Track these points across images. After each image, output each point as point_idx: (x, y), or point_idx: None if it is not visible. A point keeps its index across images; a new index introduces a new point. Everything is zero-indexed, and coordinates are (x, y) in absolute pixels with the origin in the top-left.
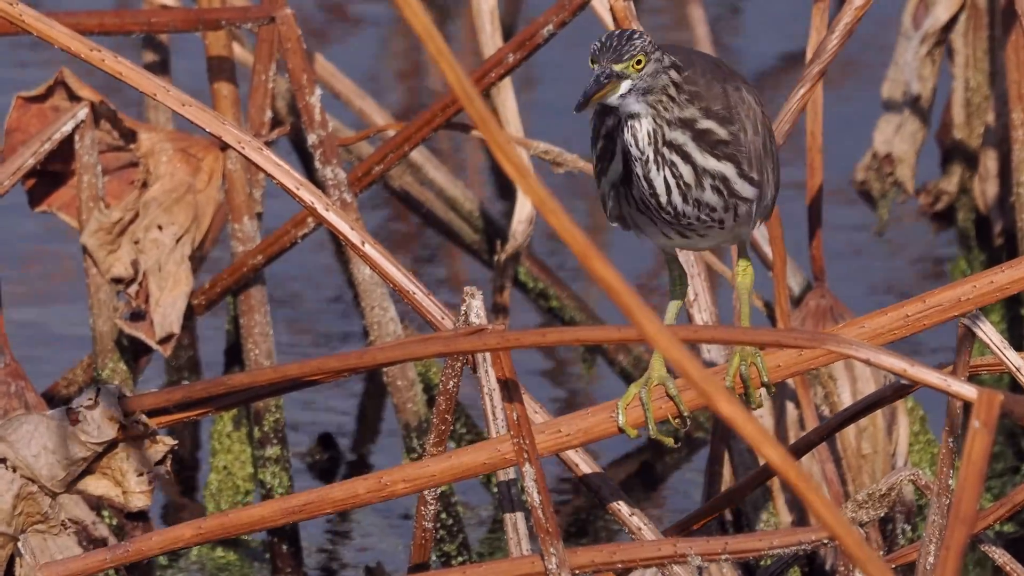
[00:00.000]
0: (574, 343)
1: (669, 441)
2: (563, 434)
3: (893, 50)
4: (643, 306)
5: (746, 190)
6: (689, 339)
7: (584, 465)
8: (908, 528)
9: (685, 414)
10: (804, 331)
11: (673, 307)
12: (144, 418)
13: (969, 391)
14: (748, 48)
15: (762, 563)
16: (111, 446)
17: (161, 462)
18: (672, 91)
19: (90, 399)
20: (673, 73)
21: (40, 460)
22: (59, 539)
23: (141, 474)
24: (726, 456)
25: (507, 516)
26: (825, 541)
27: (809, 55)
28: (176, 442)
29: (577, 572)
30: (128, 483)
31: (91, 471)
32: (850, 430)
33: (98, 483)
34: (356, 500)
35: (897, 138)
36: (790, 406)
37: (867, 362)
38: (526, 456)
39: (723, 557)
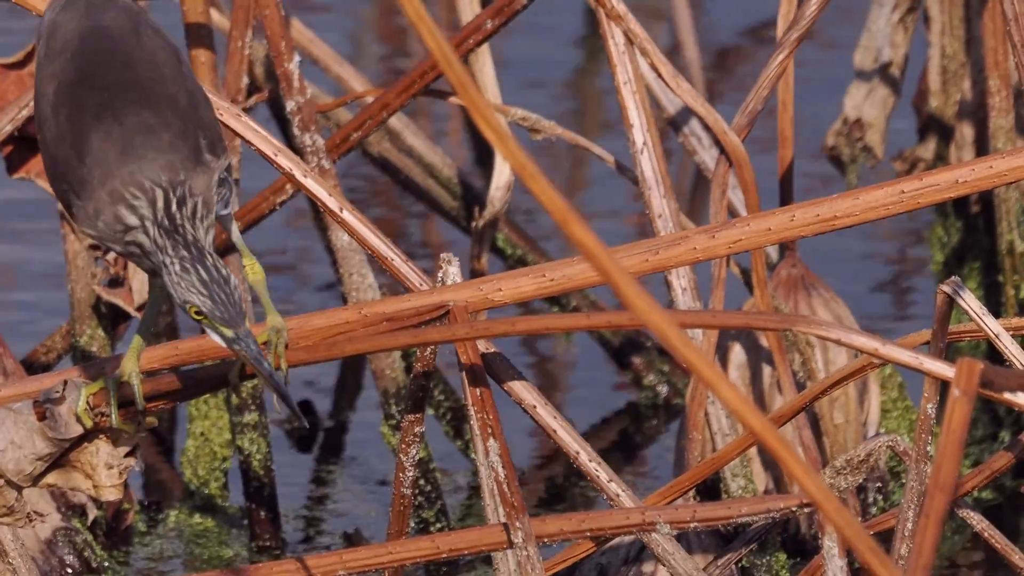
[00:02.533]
0: (544, 331)
1: (131, 428)
2: (547, 279)
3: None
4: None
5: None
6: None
7: (562, 432)
8: (880, 498)
9: (140, 407)
10: (774, 314)
11: (151, 305)
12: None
13: (942, 369)
14: (716, 18)
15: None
16: (80, 440)
17: (130, 454)
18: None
19: (56, 393)
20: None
21: (7, 455)
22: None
23: (111, 467)
24: (704, 423)
25: (484, 482)
26: (794, 508)
27: (780, 22)
28: (136, 433)
29: (546, 541)
30: (99, 477)
31: (60, 464)
32: (822, 401)
33: (68, 476)
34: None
35: (867, 104)
36: (766, 371)
37: (838, 342)
38: (490, 431)
39: (692, 525)
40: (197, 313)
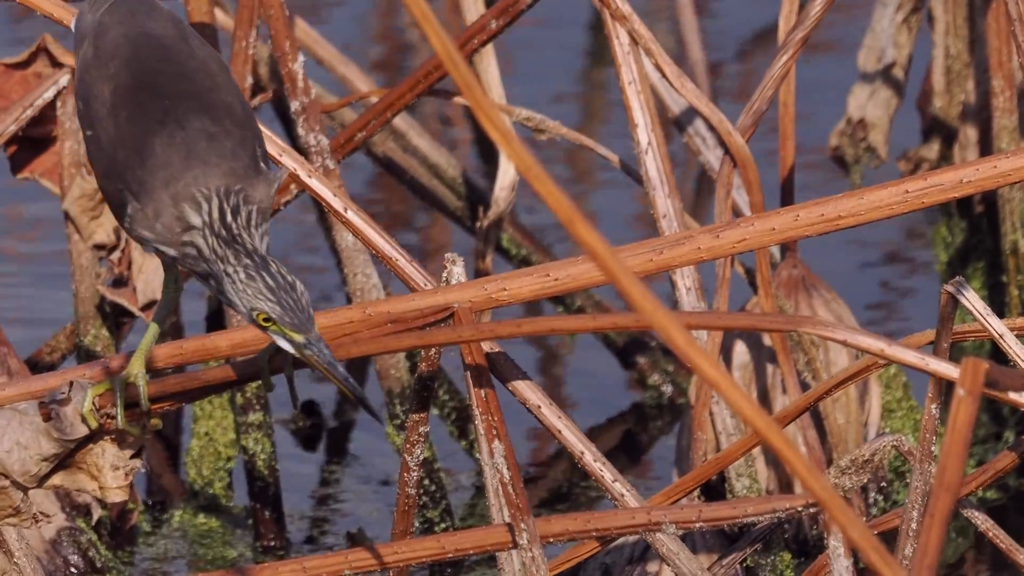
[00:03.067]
0: (549, 333)
1: (136, 430)
2: (551, 279)
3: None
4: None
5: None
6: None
7: (567, 432)
8: (882, 498)
9: (146, 408)
10: (779, 315)
11: (162, 313)
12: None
13: (948, 369)
14: (727, 19)
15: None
16: (85, 440)
17: (136, 455)
18: None
19: (62, 394)
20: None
21: (12, 456)
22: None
23: (117, 468)
24: (709, 422)
25: (489, 482)
26: (799, 508)
27: (781, 23)
28: (142, 434)
29: (551, 541)
30: (104, 478)
31: (66, 465)
32: (825, 401)
33: (74, 477)
34: None
35: (871, 104)
36: (770, 370)
37: (844, 343)
38: (495, 433)
39: (697, 525)
40: (266, 320)
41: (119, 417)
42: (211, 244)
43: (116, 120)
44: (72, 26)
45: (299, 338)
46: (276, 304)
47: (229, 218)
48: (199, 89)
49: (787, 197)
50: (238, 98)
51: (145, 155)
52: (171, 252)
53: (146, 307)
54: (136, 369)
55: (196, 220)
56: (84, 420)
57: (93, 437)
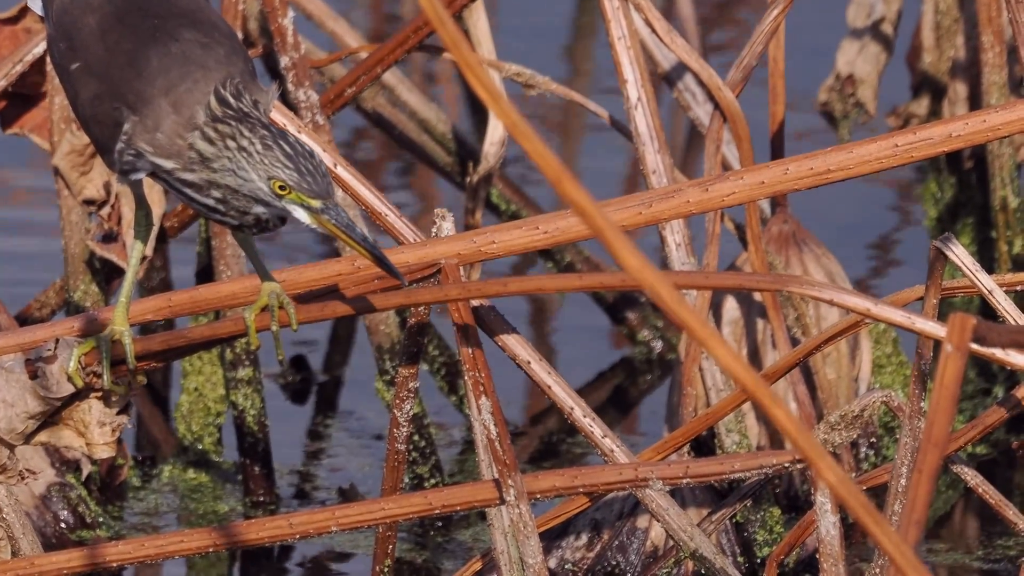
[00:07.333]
0: (536, 291)
1: (122, 389)
2: (540, 231)
3: None
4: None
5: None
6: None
7: (556, 387)
8: (872, 453)
9: (132, 367)
10: (767, 275)
11: (139, 248)
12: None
13: (935, 328)
14: None
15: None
16: (72, 398)
17: (123, 411)
18: None
19: (48, 351)
20: None
21: None
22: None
23: (104, 425)
24: (699, 378)
25: (478, 438)
26: (786, 464)
27: None
28: (128, 392)
29: (540, 497)
30: (91, 435)
31: (53, 422)
32: (815, 356)
33: (61, 434)
34: None
35: (860, 59)
36: (760, 325)
37: (831, 302)
38: (482, 389)
39: (684, 481)
40: (281, 188)
41: (105, 377)
42: (216, 132)
43: (105, 43)
44: None
45: (316, 203)
46: (294, 171)
47: (233, 102)
48: (184, 9)
49: (778, 152)
50: (220, 18)
51: (141, 67)
52: (169, 164)
53: None
54: (120, 325)
55: (201, 117)
56: (70, 379)
57: (79, 395)
